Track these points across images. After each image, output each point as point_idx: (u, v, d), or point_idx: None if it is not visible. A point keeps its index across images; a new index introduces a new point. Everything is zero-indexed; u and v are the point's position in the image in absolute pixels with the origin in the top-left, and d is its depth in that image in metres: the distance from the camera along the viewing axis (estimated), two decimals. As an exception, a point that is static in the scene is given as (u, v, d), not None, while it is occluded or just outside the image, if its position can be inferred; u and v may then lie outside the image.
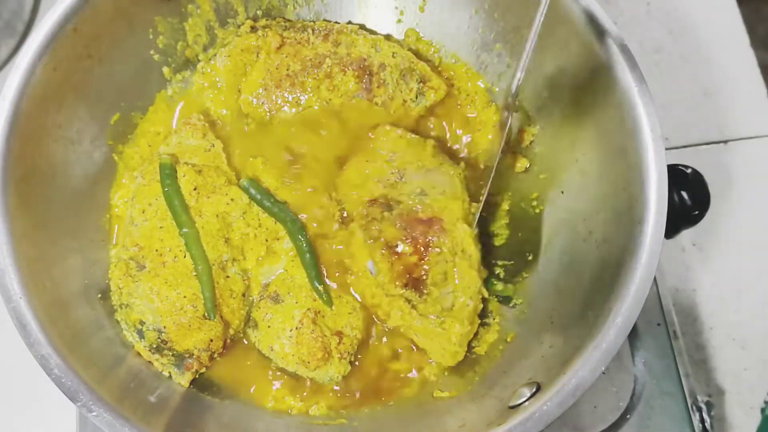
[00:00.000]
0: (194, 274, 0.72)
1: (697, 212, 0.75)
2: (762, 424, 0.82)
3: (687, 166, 0.76)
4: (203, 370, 0.73)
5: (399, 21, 0.86)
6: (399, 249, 0.73)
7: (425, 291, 0.73)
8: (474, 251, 0.73)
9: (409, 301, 0.73)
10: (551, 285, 0.75)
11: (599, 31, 0.68)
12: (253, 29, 0.80)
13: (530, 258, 0.79)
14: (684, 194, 0.74)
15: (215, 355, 0.73)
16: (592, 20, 0.69)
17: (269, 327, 0.74)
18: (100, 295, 0.72)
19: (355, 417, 0.73)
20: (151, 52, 0.79)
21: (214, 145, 0.79)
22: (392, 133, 0.79)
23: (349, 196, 0.77)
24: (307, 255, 0.75)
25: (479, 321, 0.75)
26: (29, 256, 0.65)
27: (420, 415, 0.72)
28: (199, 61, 0.82)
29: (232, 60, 0.79)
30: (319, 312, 0.74)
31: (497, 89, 0.84)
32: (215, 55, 0.80)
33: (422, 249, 0.73)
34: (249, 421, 0.71)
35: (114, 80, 0.76)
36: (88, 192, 0.75)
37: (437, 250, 0.73)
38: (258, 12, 0.83)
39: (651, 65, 1.01)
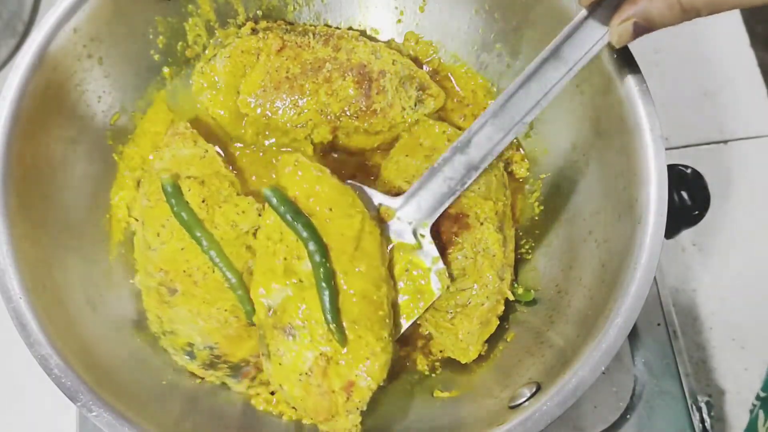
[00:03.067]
0: (227, 286, 0.71)
1: (697, 212, 0.75)
2: (749, 426, 0.82)
3: (687, 166, 0.76)
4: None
5: (399, 21, 0.86)
6: None
7: None
8: (498, 251, 0.73)
9: None
10: (551, 285, 0.75)
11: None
12: (254, 31, 0.81)
13: (530, 258, 0.79)
14: (684, 194, 0.75)
15: None
16: (592, 20, 0.68)
17: (280, 364, 0.67)
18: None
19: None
20: (151, 52, 0.79)
21: (207, 151, 0.77)
22: (435, 128, 0.80)
23: (386, 189, 0.78)
24: (324, 285, 0.65)
25: (497, 322, 0.75)
26: (29, 256, 0.64)
27: (420, 415, 0.72)
28: (198, 61, 0.82)
29: (232, 61, 0.79)
30: (332, 358, 0.66)
31: (497, 89, 0.84)
32: (215, 55, 0.80)
33: (444, 243, 0.73)
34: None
35: (114, 80, 0.76)
36: (88, 192, 0.75)
37: (459, 245, 0.73)
38: (258, 12, 0.83)
39: (651, 65, 1.01)
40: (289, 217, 0.66)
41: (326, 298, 0.64)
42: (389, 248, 0.71)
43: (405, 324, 0.71)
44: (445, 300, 0.73)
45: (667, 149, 0.65)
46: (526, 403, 0.61)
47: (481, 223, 0.74)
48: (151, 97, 0.81)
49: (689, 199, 0.74)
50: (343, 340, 0.65)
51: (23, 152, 0.66)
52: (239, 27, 0.82)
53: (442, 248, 0.73)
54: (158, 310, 0.72)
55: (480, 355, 0.74)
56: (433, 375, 0.77)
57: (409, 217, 0.72)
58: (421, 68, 0.83)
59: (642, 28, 0.56)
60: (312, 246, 0.65)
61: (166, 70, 0.81)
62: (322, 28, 0.83)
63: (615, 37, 0.58)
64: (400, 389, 0.76)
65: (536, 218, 0.80)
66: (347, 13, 0.86)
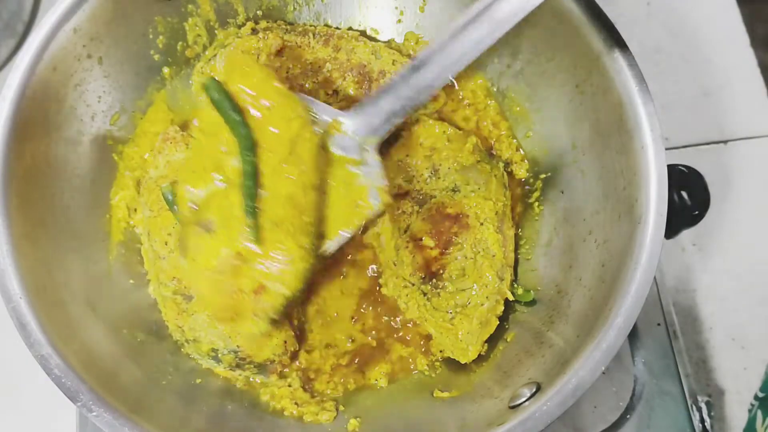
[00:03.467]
0: None
1: (697, 212, 0.75)
2: (748, 426, 0.82)
3: (687, 166, 0.76)
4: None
5: (399, 21, 0.86)
6: (422, 242, 0.74)
7: (441, 285, 0.73)
8: (498, 251, 0.73)
9: (425, 293, 0.74)
10: (551, 285, 0.75)
11: (599, 32, 0.68)
12: (254, 32, 0.81)
13: (530, 258, 0.79)
14: (684, 194, 0.74)
15: (294, 351, 0.74)
16: (593, 21, 0.69)
17: (194, 260, 0.64)
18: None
19: (354, 416, 0.73)
20: (151, 52, 0.79)
21: None
22: (435, 128, 0.80)
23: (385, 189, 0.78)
24: (246, 181, 0.62)
25: (497, 323, 0.75)
26: (29, 256, 0.64)
27: (420, 415, 0.72)
28: (198, 61, 0.82)
29: (232, 61, 0.79)
30: (247, 259, 0.63)
31: (497, 89, 0.84)
32: (215, 56, 0.80)
33: (444, 243, 0.73)
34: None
35: (114, 80, 0.76)
36: (88, 192, 0.75)
37: (459, 246, 0.73)
38: (258, 12, 0.83)
39: (651, 65, 1.01)
40: (225, 109, 0.63)
41: (247, 194, 0.61)
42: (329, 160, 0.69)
43: (342, 236, 0.69)
44: (444, 300, 0.73)
45: (667, 149, 0.65)
46: (526, 403, 0.61)
47: (481, 224, 0.74)
48: (151, 97, 0.81)
49: (689, 199, 0.74)
50: (258, 239, 0.61)
51: (23, 152, 0.66)
52: (239, 27, 0.82)
53: (442, 250, 0.74)
54: (178, 319, 0.73)
55: (480, 355, 0.74)
56: (433, 375, 0.77)
57: (357, 132, 0.71)
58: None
59: None
60: (242, 141, 0.62)
61: (166, 70, 0.81)
62: (322, 28, 0.83)
63: None
64: (400, 389, 0.76)
65: (536, 218, 0.80)
66: (347, 13, 0.86)
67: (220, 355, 0.73)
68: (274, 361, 0.73)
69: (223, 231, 0.62)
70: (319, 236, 0.67)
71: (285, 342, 0.73)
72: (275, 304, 0.64)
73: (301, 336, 0.77)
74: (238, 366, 0.73)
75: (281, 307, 0.64)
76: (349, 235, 0.70)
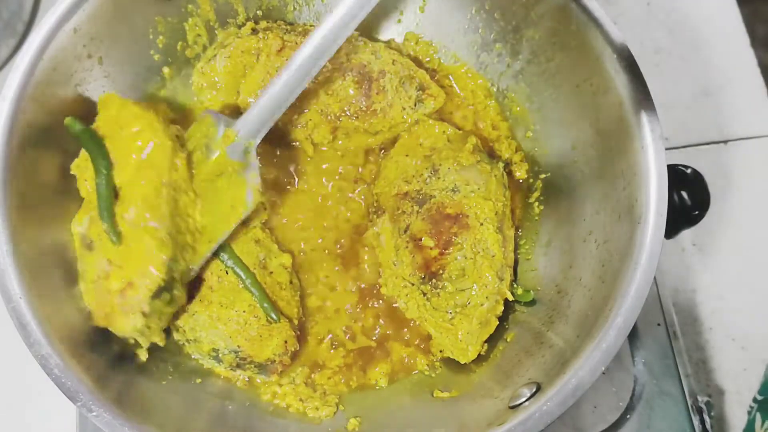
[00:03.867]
0: (241, 286, 0.73)
1: (697, 212, 0.76)
2: (747, 427, 0.82)
3: (687, 166, 0.76)
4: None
5: (399, 21, 0.86)
6: (422, 242, 0.74)
7: (441, 285, 0.73)
8: (498, 252, 0.73)
9: (424, 293, 0.74)
10: (551, 285, 0.75)
11: (599, 32, 0.68)
12: (254, 32, 0.80)
13: (530, 258, 0.79)
14: (684, 194, 0.75)
15: (295, 351, 0.74)
16: (593, 21, 0.69)
17: (84, 278, 0.69)
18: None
19: (354, 415, 0.73)
20: (151, 52, 0.79)
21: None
22: (435, 128, 0.80)
23: (385, 189, 0.79)
24: (100, 192, 0.69)
25: (497, 323, 0.75)
26: (29, 256, 0.64)
27: (420, 415, 0.72)
28: (198, 61, 0.82)
29: (232, 61, 0.79)
30: (114, 262, 0.68)
31: (497, 89, 0.84)
32: (215, 56, 0.80)
33: (444, 243, 0.73)
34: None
35: (114, 80, 0.76)
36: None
37: (459, 246, 0.73)
38: (258, 12, 0.83)
39: (651, 65, 1.01)
40: (85, 141, 0.69)
41: (101, 204, 0.68)
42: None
43: (219, 238, 0.72)
44: (444, 300, 0.73)
45: (667, 149, 0.65)
46: (526, 403, 0.61)
47: (481, 224, 0.74)
48: (151, 97, 0.81)
49: (689, 199, 0.75)
50: (117, 239, 0.67)
51: (23, 152, 0.66)
52: (239, 27, 0.82)
53: (442, 250, 0.74)
54: (180, 320, 0.73)
55: (480, 355, 0.74)
56: (433, 375, 0.77)
57: (246, 136, 0.73)
58: (421, 68, 0.83)
59: None
60: (96, 163, 0.69)
61: (166, 70, 0.81)
62: (322, 28, 0.83)
63: None
64: (400, 389, 0.76)
65: (536, 218, 0.80)
66: (347, 13, 0.86)
67: (220, 355, 0.73)
68: (275, 361, 0.73)
69: (98, 245, 0.69)
70: (194, 232, 0.72)
71: (285, 342, 0.73)
72: (143, 297, 0.67)
73: (301, 335, 0.77)
74: (239, 366, 0.73)
75: (149, 299, 0.67)
76: (225, 236, 0.73)
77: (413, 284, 0.75)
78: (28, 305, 0.62)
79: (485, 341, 0.75)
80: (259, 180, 0.73)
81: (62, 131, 0.71)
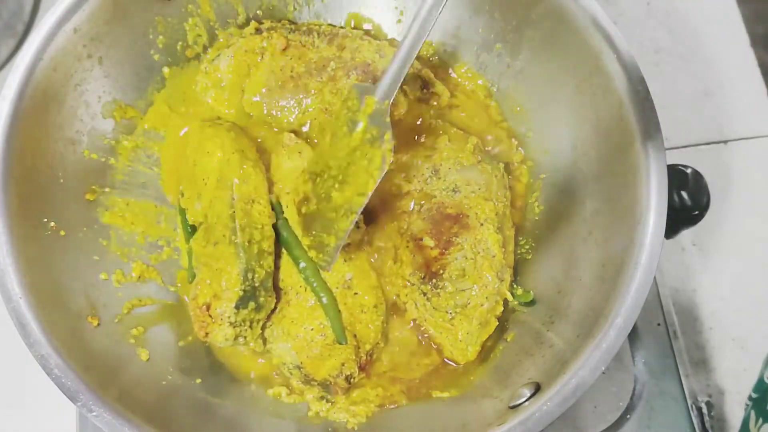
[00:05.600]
0: (319, 304, 0.73)
1: (697, 212, 0.75)
2: (742, 426, 0.82)
3: (687, 166, 0.76)
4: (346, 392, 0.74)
5: (399, 21, 0.86)
6: (423, 242, 0.74)
7: (441, 285, 0.73)
8: (498, 252, 0.73)
9: (425, 293, 0.74)
10: (551, 285, 0.75)
11: (599, 32, 0.68)
12: (258, 31, 0.80)
13: (530, 258, 0.79)
14: (684, 194, 0.74)
15: (353, 378, 0.73)
16: (593, 21, 0.69)
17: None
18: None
19: (354, 416, 0.72)
20: (151, 52, 0.79)
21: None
22: (436, 128, 0.80)
23: (385, 186, 0.79)
24: (183, 229, 0.77)
25: (496, 323, 0.75)
26: (29, 256, 0.64)
27: (420, 415, 0.72)
28: (198, 60, 0.82)
29: (236, 61, 0.79)
30: (205, 281, 0.73)
31: (497, 89, 0.84)
32: (219, 55, 0.80)
33: (445, 243, 0.73)
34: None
35: (114, 80, 0.76)
36: (88, 192, 0.75)
37: (459, 246, 0.73)
38: (258, 12, 0.83)
39: (651, 65, 1.01)
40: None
41: (184, 237, 0.77)
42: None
43: (358, 209, 0.71)
44: (444, 300, 0.73)
45: (667, 149, 0.65)
46: (526, 403, 0.61)
47: (481, 224, 0.74)
48: (151, 97, 0.81)
49: (689, 199, 0.74)
50: (191, 278, 0.75)
51: (23, 152, 0.66)
52: (239, 27, 0.82)
53: (442, 250, 0.74)
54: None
55: (479, 355, 0.74)
56: (432, 375, 0.77)
57: (382, 98, 0.71)
58: (425, 67, 0.83)
59: None
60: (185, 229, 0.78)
61: (166, 70, 0.81)
62: (327, 27, 0.83)
63: None
64: (399, 389, 0.76)
65: (536, 218, 0.80)
66: (347, 13, 0.86)
67: (286, 370, 0.74)
68: (330, 383, 0.73)
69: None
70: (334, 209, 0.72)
71: (342, 364, 0.72)
72: (227, 309, 0.71)
73: (370, 361, 0.75)
74: (306, 382, 0.74)
75: (233, 310, 0.71)
76: (364, 205, 0.71)
77: (413, 284, 0.75)
78: (28, 305, 0.62)
79: (485, 341, 0.75)
80: (393, 142, 0.70)
81: (62, 131, 0.71)
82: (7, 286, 0.62)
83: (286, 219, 0.76)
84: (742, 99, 1.01)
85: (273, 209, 0.76)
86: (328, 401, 0.73)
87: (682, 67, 1.02)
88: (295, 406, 0.74)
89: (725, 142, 0.98)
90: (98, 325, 0.69)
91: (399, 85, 0.72)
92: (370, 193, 0.70)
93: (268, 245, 0.73)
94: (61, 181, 0.71)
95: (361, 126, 0.71)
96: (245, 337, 0.72)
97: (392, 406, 0.74)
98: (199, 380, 0.73)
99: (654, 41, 1.03)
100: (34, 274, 0.64)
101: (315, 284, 0.73)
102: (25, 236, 0.65)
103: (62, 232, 0.70)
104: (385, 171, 0.70)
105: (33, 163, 0.68)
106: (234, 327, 0.71)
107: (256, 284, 0.72)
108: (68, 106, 0.72)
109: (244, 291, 0.71)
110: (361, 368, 0.74)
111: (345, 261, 0.75)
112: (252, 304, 0.72)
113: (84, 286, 0.71)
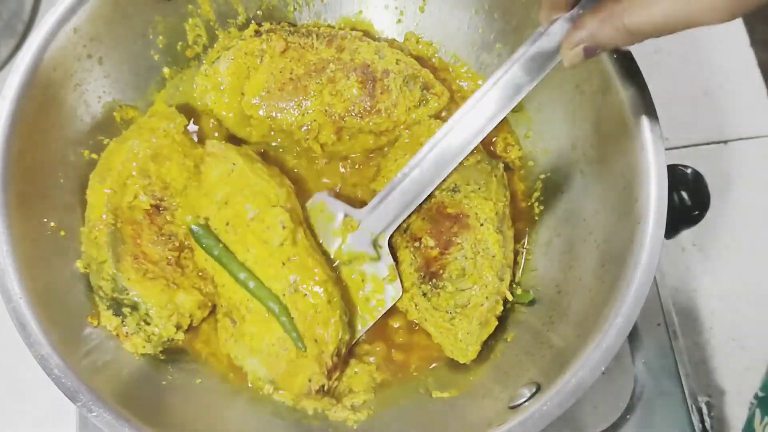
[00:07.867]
0: (269, 315, 0.70)
1: (697, 212, 0.75)
2: (747, 424, 0.82)
3: (687, 166, 0.76)
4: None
5: (399, 21, 0.86)
6: (422, 242, 0.74)
7: (441, 285, 0.73)
8: (498, 252, 0.73)
9: (424, 293, 0.74)
10: (551, 285, 0.75)
11: (599, 31, 0.68)
12: (257, 33, 0.81)
13: (530, 258, 0.79)
14: (684, 194, 0.75)
15: (325, 387, 0.70)
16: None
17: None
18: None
19: (353, 415, 0.73)
20: (151, 52, 0.79)
21: (235, 164, 0.74)
22: (435, 127, 0.79)
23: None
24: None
25: (496, 323, 0.75)
26: (29, 256, 0.65)
27: (420, 415, 0.72)
28: (198, 61, 0.82)
29: (235, 63, 0.79)
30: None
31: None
32: (218, 57, 0.80)
33: (444, 243, 0.74)
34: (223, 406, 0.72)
35: (114, 80, 0.76)
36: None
37: (459, 246, 0.73)
38: (258, 12, 0.83)
39: (651, 65, 1.01)
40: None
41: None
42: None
43: (360, 329, 0.75)
44: (444, 300, 0.73)
45: (667, 149, 0.65)
46: (526, 403, 0.61)
47: (482, 224, 0.74)
48: (151, 97, 0.81)
49: (689, 199, 0.74)
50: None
51: (23, 152, 0.66)
52: (239, 27, 0.82)
53: (442, 250, 0.73)
54: (226, 347, 0.73)
55: (479, 355, 0.74)
56: (432, 375, 0.77)
57: (371, 228, 0.74)
58: (425, 68, 0.83)
59: (592, 51, 0.56)
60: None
61: (166, 70, 0.81)
62: (326, 28, 0.83)
63: (566, 61, 0.58)
64: (399, 389, 0.76)
65: (536, 218, 0.80)
66: (347, 13, 0.86)
67: (263, 385, 0.72)
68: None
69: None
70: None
71: (309, 380, 0.69)
72: (114, 322, 0.70)
73: (336, 364, 0.72)
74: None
75: (119, 321, 0.70)
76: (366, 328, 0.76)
77: (413, 284, 0.75)
78: (28, 305, 0.62)
79: (485, 341, 0.75)
80: (398, 281, 0.74)
81: (62, 131, 0.71)
82: (7, 286, 0.62)
83: (216, 237, 0.72)
84: (742, 99, 1.01)
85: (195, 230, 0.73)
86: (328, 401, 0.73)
87: (682, 67, 1.02)
88: (295, 406, 0.74)
89: (725, 142, 0.99)
90: (98, 325, 0.69)
91: (400, 220, 0.74)
92: (369, 324, 0.75)
93: (100, 255, 0.70)
94: (61, 181, 0.71)
95: (338, 243, 0.74)
96: (155, 334, 0.70)
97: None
98: (199, 380, 0.74)
99: (654, 41, 1.03)
100: (34, 274, 0.64)
101: (261, 295, 0.69)
102: (25, 236, 0.65)
103: (62, 232, 0.70)
104: (389, 306, 0.75)
105: (33, 163, 0.68)
106: (136, 334, 0.69)
107: (113, 295, 0.69)
108: (68, 106, 0.72)
109: (108, 306, 0.69)
110: (331, 372, 0.71)
111: (283, 264, 0.70)
112: (126, 310, 0.69)
113: (84, 286, 0.71)
